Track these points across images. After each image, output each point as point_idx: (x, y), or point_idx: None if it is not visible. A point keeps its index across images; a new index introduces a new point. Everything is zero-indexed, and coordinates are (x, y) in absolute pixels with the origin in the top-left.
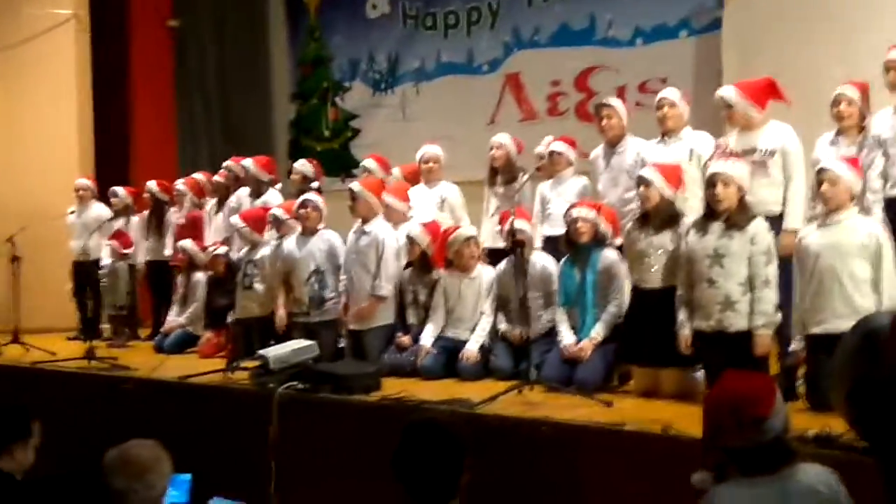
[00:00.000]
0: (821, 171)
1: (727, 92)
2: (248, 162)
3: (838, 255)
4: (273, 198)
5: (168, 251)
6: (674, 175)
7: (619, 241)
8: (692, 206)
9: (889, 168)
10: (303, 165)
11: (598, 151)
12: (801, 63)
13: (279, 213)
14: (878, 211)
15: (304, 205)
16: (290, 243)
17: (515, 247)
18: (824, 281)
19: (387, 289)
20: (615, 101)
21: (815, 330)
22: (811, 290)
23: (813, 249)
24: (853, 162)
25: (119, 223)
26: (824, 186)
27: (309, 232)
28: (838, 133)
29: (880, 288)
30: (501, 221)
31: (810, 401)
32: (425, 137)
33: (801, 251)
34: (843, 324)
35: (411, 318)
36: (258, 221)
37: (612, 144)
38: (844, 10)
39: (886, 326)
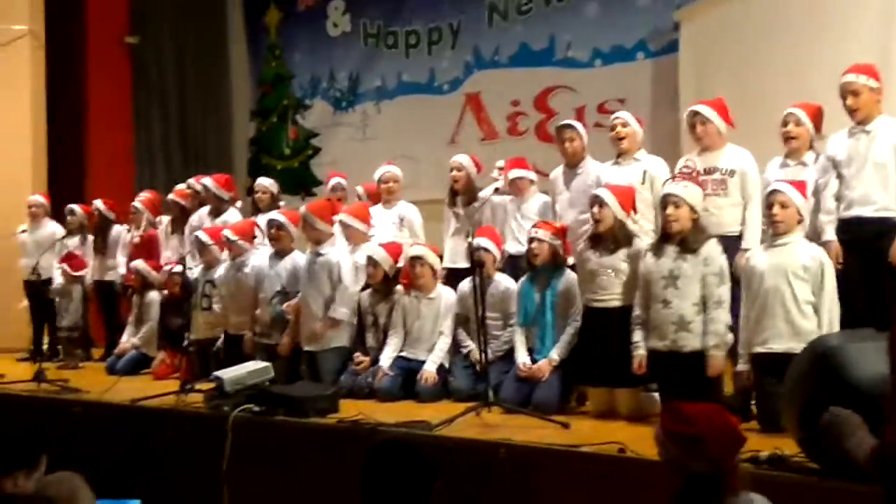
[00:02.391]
0: (773, 193)
1: (702, 108)
2: (208, 180)
3: (782, 277)
4: (233, 216)
5: (122, 270)
6: (627, 197)
7: (571, 260)
8: (644, 227)
9: (843, 190)
10: (269, 184)
11: (557, 172)
12: (755, 86)
13: (229, 234)
14: (830, 231)
15: (271, 225)
16: (260, 262)
17: (475, 266)
18: (768, 301)
19: (342, 312)
20: (576, 124)
21: (759, 349)
22: (756, 310)
23: (758, 270)
24: (800, 185)
25: (74, 241)
26: (775, 209)
27: (280, 252)
28: (787, 155)
29: (821, 310)
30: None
31: (760, 422)
32: (386, 156)
33: (747, 271)
34: (785, 344)
35: (370, 341)
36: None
37: (572, 166)
38: (799, 34)
39: (836, 348)
